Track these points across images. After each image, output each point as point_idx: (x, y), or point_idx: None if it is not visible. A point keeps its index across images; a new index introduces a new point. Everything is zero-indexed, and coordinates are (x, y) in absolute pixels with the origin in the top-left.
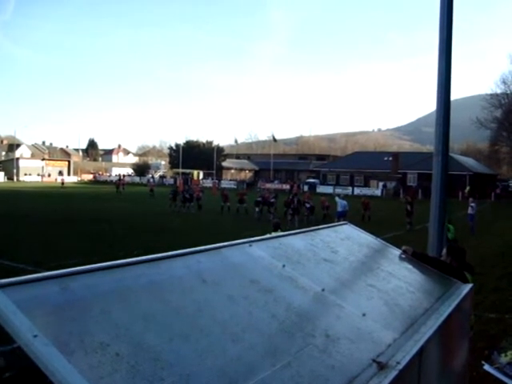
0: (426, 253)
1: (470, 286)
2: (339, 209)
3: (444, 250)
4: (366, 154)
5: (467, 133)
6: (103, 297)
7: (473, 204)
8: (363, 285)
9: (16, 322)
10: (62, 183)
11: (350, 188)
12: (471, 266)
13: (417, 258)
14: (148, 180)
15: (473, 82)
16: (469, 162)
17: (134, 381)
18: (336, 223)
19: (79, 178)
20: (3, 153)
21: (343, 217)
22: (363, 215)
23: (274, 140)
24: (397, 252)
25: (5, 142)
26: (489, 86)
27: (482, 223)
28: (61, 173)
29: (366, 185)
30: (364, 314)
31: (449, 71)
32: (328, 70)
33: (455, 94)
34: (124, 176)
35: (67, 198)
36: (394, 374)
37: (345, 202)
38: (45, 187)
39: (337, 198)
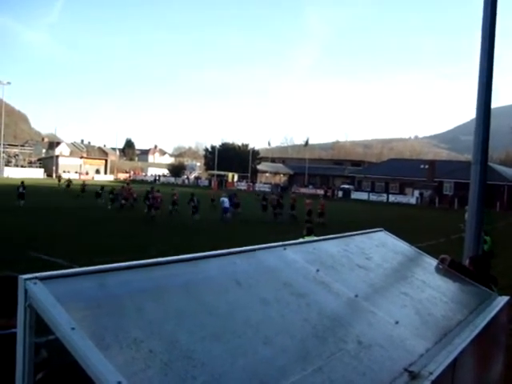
0: (462, 263)
1: (506, 298)
2: (225, 205)
3: (467, 261)
4: (401, 162)
5: (507, 141)
6: (139, 294)
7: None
8: (397, 293)
9: (55, 314)
10: (69, 182)
11: (385, 195)
12: (495, 278)
13: (454, 267)
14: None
15: None
16: (508, 171)
17: (167, 378)
18: (371, 230)
19: (115, 177)
20: (43, 150)
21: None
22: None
23: (306, 144)
24: (432, 261)
25: (45, 139)
26: None
27: None
28: (98, 171)
29: (402, 192)
30: (397, 322)
31: (490, 79)
32: (365, 75)
33: (495, 102)
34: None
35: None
36: None
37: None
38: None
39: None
